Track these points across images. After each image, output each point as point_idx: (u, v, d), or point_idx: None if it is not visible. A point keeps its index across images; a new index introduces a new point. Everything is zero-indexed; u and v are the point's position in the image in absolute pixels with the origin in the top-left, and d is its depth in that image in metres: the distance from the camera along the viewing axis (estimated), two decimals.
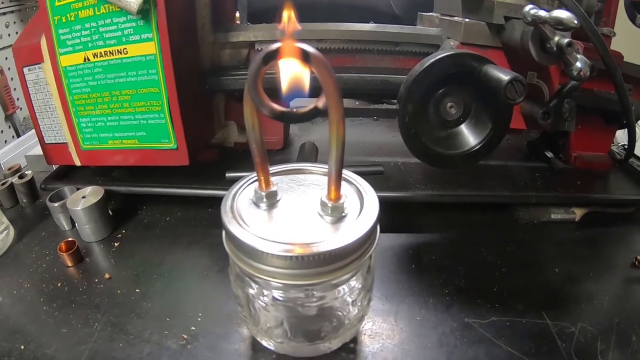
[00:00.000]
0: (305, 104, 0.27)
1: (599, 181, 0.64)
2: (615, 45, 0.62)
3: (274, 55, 0.25)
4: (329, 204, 0.31)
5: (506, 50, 0.54)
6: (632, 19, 0.65)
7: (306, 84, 0.28)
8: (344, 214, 0.32)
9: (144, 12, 0.49)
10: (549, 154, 0.66)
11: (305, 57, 0.25)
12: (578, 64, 0.46)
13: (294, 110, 0.27)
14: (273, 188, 0.34)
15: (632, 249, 0.53)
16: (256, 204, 0.34)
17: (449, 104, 0.50)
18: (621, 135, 0.71)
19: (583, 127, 0.61)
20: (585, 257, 0.52)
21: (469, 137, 0.51)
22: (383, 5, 0.91)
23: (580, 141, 0.64)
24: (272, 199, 0.34)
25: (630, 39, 0.73)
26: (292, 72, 0.27)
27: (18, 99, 1.26)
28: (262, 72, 0.26)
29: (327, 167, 0.36)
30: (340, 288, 0.33)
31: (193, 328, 0.42)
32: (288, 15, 0.28)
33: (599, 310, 0.44)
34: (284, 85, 0.28)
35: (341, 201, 0.31)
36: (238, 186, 0.35)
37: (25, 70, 0.58)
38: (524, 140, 0.72)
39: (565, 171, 0.64)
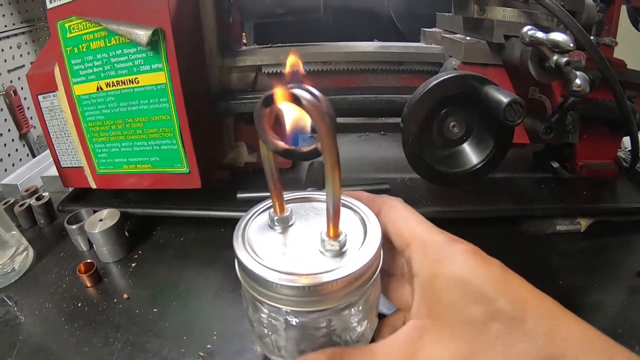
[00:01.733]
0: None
1: (605, 190, 0.64)
2: (618, 52, 0.63)
3: (271, 100, 0.27)
4: (329, 242, 0.32)
5: (507, 67, 0.54)
6: (635, 24, 0.66)
7: (307, 124, 0.29)
8: (343, 250, 0.32)
9: (153, 44, 0.50)
10: (555, 164, 0.66)
11: (297, 102, 0.26)
12: (577, 81, 0.46)
13: (297, 148, 0.29)
14: (287, 213, 0.35)
15: (638, 258, 0.54)
16: (270, 226, 0.35)
17: (452, 124, 0.50)
18: (628, 141, 0.72)
19: (588, 136, 0.61)
20: (589, 267, 0.52)
21: (472, 155, 0.51)
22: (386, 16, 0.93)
23: (586, 150, 0.64)
24: (285, 223, 0.35)
25: (634, 46, 0.73)
26: (293, 113, 0.29)
27: (31, 118, 1.28)
28: (264, 113, 0.28)
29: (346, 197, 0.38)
30: (346, 312, 0.34)
31: (209, 346, 0.43)
32: (291, 63, 0.29)
33: (603, 320, 0.44)
34: (287, 125, 0.29)
35: (340, 238, 0.32)
36: (248, 217, 0.36)
37: (40, 97, 0.60)
38: (530, 151, 0.72)
39: (571, 181, 0.64)
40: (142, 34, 0.49)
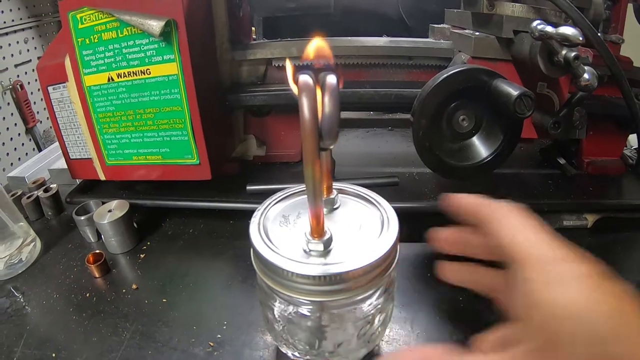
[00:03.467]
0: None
1: (612, 187, 0.63)
2: (625, 50, 0.63)
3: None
4: (313, 241, 0.32)
5: (516, 62, 0.55)
6: None
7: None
8: (329, 249, 0.32)
9: (165, 35, 0.50)
10: (562, 161, 0.66)
11: (296, 80, 0.27)
12: (586, 76, 0.47)
13: None
14: (333, 195, 0.36)
15: None
16: None
17: (461, 117, 0.51)
18: (634, 139, 0.72)
19: (595, 133, 0.62)
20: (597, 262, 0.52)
21: (481, 148, 0.52)
22: (394, 13, 0.93)
23: (593, 147, 0.64)
24: (330, 205, 0.36)
25: None
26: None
27: (38, 112, 1.28)
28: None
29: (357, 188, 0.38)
30: (360, 305, 0.34)
31: (219, 336, 0.43)
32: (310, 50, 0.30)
33: None
34: None
35: (326, 237, 0.32)
36: (264, 207, 0.37)
37: (50, 89, 0.60)
38: (537, 147, 0.72)
39: (578, 177, 0.64)
40: (155, 25, 0.49)
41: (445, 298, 0.47)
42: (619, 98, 0.55)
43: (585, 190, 0.62)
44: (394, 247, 0.32)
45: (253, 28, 0.76)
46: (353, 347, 0.36)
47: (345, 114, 0.85)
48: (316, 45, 0.31)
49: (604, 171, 0.65)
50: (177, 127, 0.55)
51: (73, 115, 0.60)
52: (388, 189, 0.55)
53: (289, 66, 0.30)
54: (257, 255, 0.32)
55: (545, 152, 0.70)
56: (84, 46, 0.54)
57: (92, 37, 0.54)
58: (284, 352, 0.39)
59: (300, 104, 0.27)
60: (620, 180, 0.65)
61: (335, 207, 0.37)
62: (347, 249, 0.32)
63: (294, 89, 0.29)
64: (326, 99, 0.28)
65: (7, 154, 1.20)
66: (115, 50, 0.53)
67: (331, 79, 0.28)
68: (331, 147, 0.29)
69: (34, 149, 1.27)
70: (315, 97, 0.27)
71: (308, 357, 0.37)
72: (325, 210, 0.36)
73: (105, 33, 0.53)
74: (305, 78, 0.27)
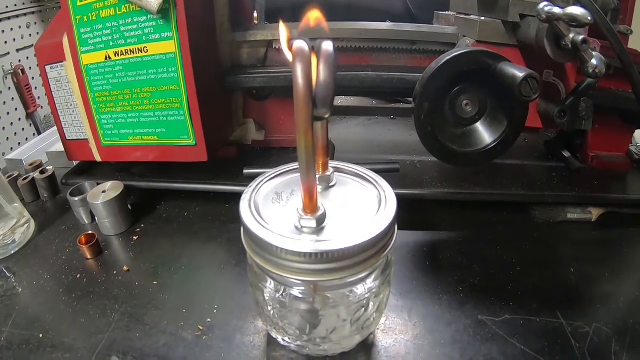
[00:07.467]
0: None
1: (617, 181, 0.62)
2: (633, 43, 0.62)
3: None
4: (306, 217, 0.31)
5: (522, 48, 0.54)
6: None
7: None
8: (322, 226, 0.31)
9: (164, 12, 0.50)
10: (566, 154, 0.65)
11: (290, 47, 0.26)
12: (593, 61, 0.45)
13: None
14: (329, 172, 0.35)
15: None
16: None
17: (465, 102, 0.50)
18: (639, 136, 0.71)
19: (601, 127, 0.60)
20: (601, 257, 0.51)
21: (485, 134, 0.50)
22: (400, 4, 0.92)
23: (598, 141, 0.63)
24: (326, 182, 0.35)
25: None
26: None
27: (39, 97, 1.28)
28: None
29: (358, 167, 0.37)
30: (354, 287, 0.33)
31: (209, 320, 0.42)
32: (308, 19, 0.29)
33: (614, 310, 0.43)
34: None
35: (319, 213, 0.31)
36: (255, 185, 0.36)
37: (48, 68, 0.59)
38: (541, 140, 0.71)
39: (583, 171, 0.63)
40: (153, 2, 0.48)
41: (444, 287, 0.46)
42: (625, 91, 0.54)
43: (590, 184, 0.60)
44: (391, 226, 0.31)
45: (255, 14, 0.75)
46: (346, 334, 0.35)
47: (347, 102, 0.85)
48: (312, 14, 0.30)
49: (609, 166, 0.63)
50: (174, 107, 0.55)
51: (70, 95, 0.59)
52: (389, 176, 0.54)
53: (283, 31, 0.29)
54: (247, 231, 0.31)
55: (550, 144, 0.69)
56: (82, 24, 0.54)
57: (90, 14, 0.53)
58: (275, 337, 0.38)
59: (294, 70, 0.26)
60: (625, 175, 0.64)
61: (331, 184, 0.36)
62: (342, 226, 0.31)
63: (288, 55, 0.28)
64: (321, 66, 0.27)
65: (7, 138, 1.20)
66: (113, 28, 0.53)
67: (327, 45, 0.27)
68: (326, 116, 0.28)
69: (34, 134, 1.28)
70: (309, 63, 0.26)
71: (299, 342, 0.36)
72: (320, 187, 0.35)
73: (104, 10, 0.52)
74: (300, 43, 0.26)
